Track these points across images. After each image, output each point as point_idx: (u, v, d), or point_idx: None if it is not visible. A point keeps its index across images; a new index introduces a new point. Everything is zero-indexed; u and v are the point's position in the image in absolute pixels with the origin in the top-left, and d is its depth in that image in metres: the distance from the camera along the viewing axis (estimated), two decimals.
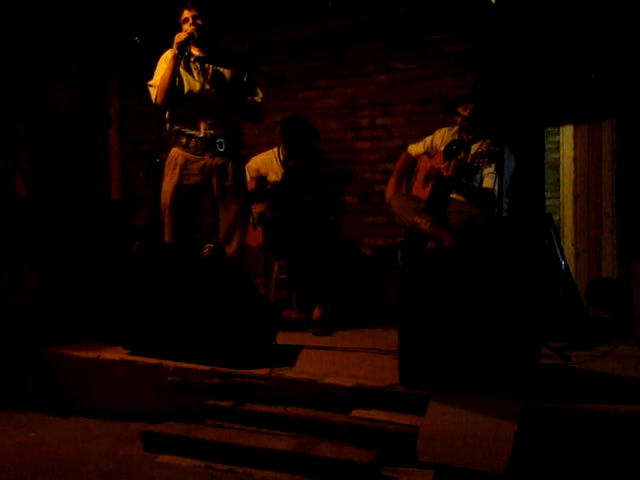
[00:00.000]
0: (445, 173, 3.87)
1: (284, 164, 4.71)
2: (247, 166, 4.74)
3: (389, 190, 4.33)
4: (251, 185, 4.61)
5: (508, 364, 2.70)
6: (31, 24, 5.22)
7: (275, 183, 4.71)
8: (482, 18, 4.80)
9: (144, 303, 3.45)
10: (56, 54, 5.55)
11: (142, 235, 4.42)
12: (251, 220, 4.65)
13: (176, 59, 3.71)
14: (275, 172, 4.74)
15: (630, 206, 4.73)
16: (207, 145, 3.86)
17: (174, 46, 3.71)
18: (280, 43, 5.54)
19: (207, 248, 3.32)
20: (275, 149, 4.81)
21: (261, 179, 4.74)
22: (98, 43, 5.81)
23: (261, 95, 3.97)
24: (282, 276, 4.83)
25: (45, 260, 4.10)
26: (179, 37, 3.71)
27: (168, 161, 3.93)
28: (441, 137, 4.28)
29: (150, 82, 3.87)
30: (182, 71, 3.84)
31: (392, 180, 4.36)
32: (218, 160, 3.86)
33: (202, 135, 3.85)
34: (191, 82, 3.85)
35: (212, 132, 3.85)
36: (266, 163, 4.77)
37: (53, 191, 5.26)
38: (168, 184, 3.88)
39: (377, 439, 2.68)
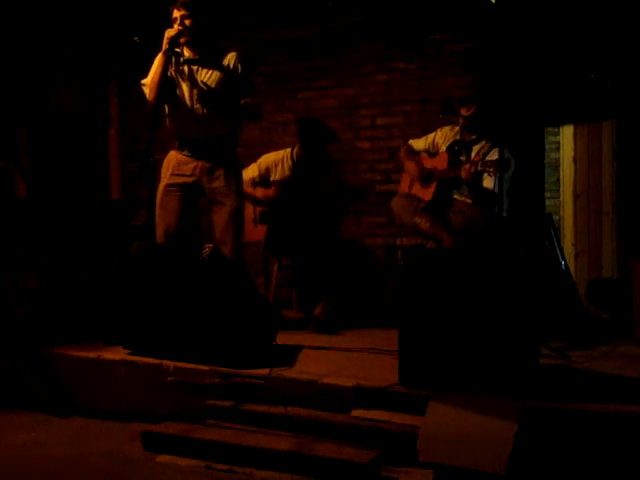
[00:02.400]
0: (464, 174, 3.82)
1: (295, 165, 4.71)
2: (258, 162, 4.77)
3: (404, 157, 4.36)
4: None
5: (508, 364, 2.70)
6: (31, 24, 5.22)
7: (282, 180, 4.73)
8: (482, 18, 4.79)
9: (144, 303, 3.45)
10: (56, 54, 5.55)
11: (142, 235, 4.42)
12: (252, 216, 4.66)
13: (166, 55, 3.73)
14: (285, 172, 4.74)
15: (630, 206, 4.73)
16: (199, 147, 3.87)
17: (164, 41, 3.71)
18: (280, 43, 5.53)
19: (207, 248, 3.32)
20: (288, 150, 4.81)
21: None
22: (98, 43, 5.80)
23: (255, 91, 3.96)
24: (282, 276, 4.84)
25: (45, 260, 4.11)
26: (169, 32, 3.71)
27: (164, 162, 3.97)
28: (443, 136, 4.26)
29: (143, 81, 3.89)
30: (174, 74, 3.86)
31: (406, 161, 4.36)
32: (210, 161, 3.87)
33: (193, 137, 3.87)
34: (182, 86, 3.87)
35: (203, 134, 3.86)
36: (276, 163, 4.78)
37: (53, 191, 5.26)
38: (161, 184, 3.93)
39: (377, 439, 2.68)
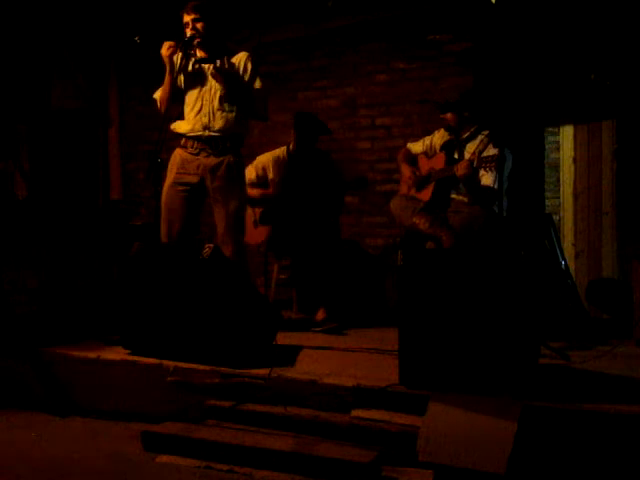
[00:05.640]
0: (459, 172, 3.84)
1: (291, 161, 4.73)
2: (254, 164, 4.79)
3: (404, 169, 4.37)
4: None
5: (508, 364, 2.70)
6: (31, 24, 5.22)
7: (281, 178, 4.74)
8: (482, 18, 4.79)
9: (144, 303, 3.45)
10: (56, 54, 5.55)
11: (142, 235, 4.42)
12: (252, 219, 4.66)
13: (170, 73, 3.84)
14: (282, 170, 4.76)
15: (630, 206, 4.73)
16: (202, 145, 3.90)
17: (164, 59, 3.81)
18: (280, 43, 5.54)
19: (207, 248, 3.32)
20: (284, 147, 4.83)
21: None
22: (98, 43, 5.81)
23: (264, 95, 3.98)
24: (282, 276, 4.84)
25: (45, 260, 4.10)
26: (164, 51, 3.80)
27: (170, 161, 4.00)
28: (441, 137, 4.28)
29: (154, 95, 3.99)
30: (185, 75, 3.92)
31: (403, 166, 4.38)
32: (212, 160, 3.90)
33: (198, 135, 3.91)
34: (191, 85, 3.92)
35: (208, 132, 3.89)
36: (273, 161, 4.80)
37: (53, 191, 5.26)
38: (166, 183, 3.96)
39: (377, 439, 2.68)
